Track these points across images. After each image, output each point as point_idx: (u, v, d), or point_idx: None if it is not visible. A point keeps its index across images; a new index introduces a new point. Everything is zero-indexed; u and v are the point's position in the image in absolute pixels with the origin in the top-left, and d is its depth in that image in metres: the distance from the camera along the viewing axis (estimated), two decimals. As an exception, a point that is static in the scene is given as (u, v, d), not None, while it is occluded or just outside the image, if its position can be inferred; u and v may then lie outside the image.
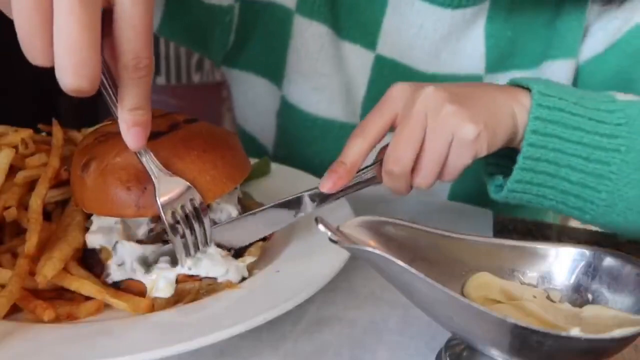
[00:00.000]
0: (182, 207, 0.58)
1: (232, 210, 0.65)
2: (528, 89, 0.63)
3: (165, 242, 0.61)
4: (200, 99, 1.94)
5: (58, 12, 0.42)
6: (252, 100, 0.98)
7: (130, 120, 0.50)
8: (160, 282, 0.58)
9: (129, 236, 0.62)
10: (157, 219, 0.61)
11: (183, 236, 0.58)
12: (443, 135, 0.59)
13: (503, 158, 0.65)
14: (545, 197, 0.64)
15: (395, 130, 0.61)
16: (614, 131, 0.61)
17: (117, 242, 0.60)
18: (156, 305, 0.58)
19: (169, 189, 0.57)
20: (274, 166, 0.86)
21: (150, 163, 0.57)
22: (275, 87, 0.94)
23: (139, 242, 0.61)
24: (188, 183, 0.58)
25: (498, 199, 0.66)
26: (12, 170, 0.63)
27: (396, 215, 0.53)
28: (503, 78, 0.88)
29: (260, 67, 0.94)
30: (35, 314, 0.55)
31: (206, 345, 0.50)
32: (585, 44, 0.85)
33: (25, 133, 0.67)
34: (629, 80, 0.81)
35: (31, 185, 0.64)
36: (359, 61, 0.89)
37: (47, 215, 0.63)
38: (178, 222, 0.57)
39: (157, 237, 0.62)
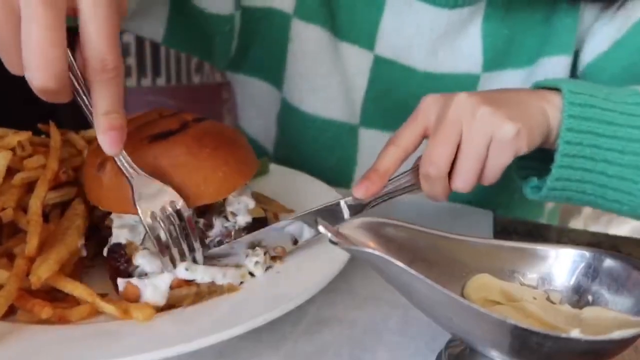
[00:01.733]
0: (163, 209, 0.57)
1: (249, 201, 0.65)
2: (556, 90, 0.63)
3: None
4: (200, 100, 1.95)
5: (24, 19, 0.44)
6: (256, 104, 0.99)
7: (104, 124, 0.51)
8: (148, 289, 0.57)
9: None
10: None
11: (167, 246, 0.57)
12: (481, 136, 0.59)
13: (533, 161, 0.67)
14: (584, 193, 0.65)
15: (430, 135, 0.61)
16: None
17: (144, 239, 0.61)
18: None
19: (147, 190, 0.57)
20: (273, 166, 0.87)
21: (126, 165, 0.57)
22: (276, 89, 0.95)
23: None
24: (166, 185, 0.58)
25: (537, 199, 0.66)
26: (10, 172, 0.63)
27: (396, 217, 0.53)
28: (500, 76, 0.89)
29: (262, 71, 0.95)
30: (32, 312, 0.54)
31: (206, 346, 0.50)
32: (588, 45, 0.86)
33: (24, 135, 0.67)
34: (637, 76, 0.81)
35: (29, 187, 0.64)
36: (358, 62, 0.90)
37: (44, 217, 0.63)
38: (158, 221, 0.57)
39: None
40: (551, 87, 0.65)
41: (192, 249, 0.59)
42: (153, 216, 0.57)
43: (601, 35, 0.84)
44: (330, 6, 0.88)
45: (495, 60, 0.88)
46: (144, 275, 0.59)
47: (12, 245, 0.62)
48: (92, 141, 0.72)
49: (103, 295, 0.60)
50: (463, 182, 0.61)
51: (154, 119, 0.66)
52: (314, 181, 0.82)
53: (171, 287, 0.58)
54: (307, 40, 0.89)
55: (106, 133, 0.51)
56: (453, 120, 0.60)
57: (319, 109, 0.92)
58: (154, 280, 0.58)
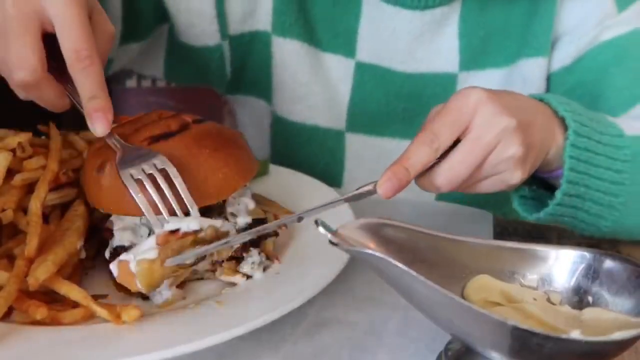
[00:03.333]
0: (145, 169, 0.58)
1: (249, 202, 0.66)
2: (554, 111, 0.67)
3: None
4: (200, 102, 1.94)
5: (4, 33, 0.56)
6: (253, 121, 1.04)
7: (89, 109, 0.57)
8: (132, 265, 0.56)
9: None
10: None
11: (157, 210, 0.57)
12: (496, 171, 0.61)
13: None
14: (565, 223, 0.73)
15: (461, 147, 0.59)
16: (621, 167, 0.69)
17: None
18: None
19: (131, 156, 0.59)
20: (273, 167, 0.87)
21: (115, 141, 0.60)
22: (267, 104, 0.99)
23: None
24: (153, 151, 0.59)
25: (524, 215, 0.71)
26: (10, 173, 0.63)
27: (396, 217, 0.53)
28: (478, 75, 0.91)
29: (255, 89, 1.00)
30: (27, 313, 0.54)
31: (206, 347, 0.50)
32: (558, 53, 0.89)
33: (25, 136, 0.67)
34: (593, 95, 0.85)
35: (29, 188, 0.64)
36: (340, 69, 0.93)
37: (44, 218, 0.63)
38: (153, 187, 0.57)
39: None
40: (544, 101, 0.68)
41: (184, 208, 0.58)
42: (132, 176, 0.57)
43: (568, 51, 0.88)
44: (306, 20, 0.92)
45: (472, 59, 0.91)
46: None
47: (12, 247, 0.62)
48: (92, 142, 0.72)
49: (103, 297, 0.60)
50: (447, 188, 0.60)
51: (154, 121, 0.66)
52: (314, 182, 0.82)
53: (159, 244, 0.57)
54: (287, 54, 0.93)
55: (91, 116, 0.57)
56: (488, 147, 0.59)
57: (305, 117, 0.96)
58: (140, 247, 0.57)
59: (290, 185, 0.81)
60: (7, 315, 0.55)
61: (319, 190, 0.80)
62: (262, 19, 0.92)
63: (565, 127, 0.66)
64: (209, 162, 0.61)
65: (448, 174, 0.59)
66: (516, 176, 0.61)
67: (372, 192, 0.58)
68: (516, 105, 0.62)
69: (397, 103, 0.92)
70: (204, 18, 0.90)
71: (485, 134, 0.59)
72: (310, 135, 0.96)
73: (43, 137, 0.72)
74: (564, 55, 0.89)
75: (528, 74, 0.90)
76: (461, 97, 0.60)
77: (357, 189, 0.59)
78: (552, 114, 0.67)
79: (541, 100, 0.68)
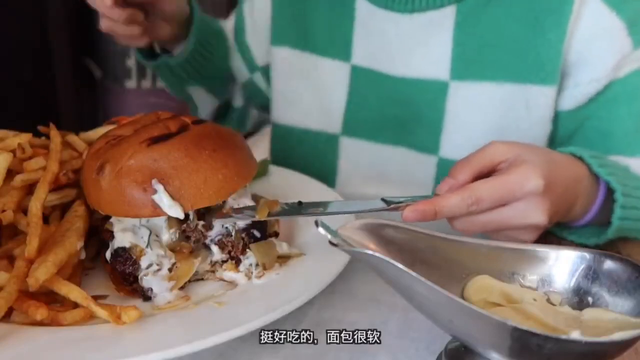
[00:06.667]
0: None
1: (248, 203, 0.66)
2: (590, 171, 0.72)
3: (188, 237, 0.63)
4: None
5: None
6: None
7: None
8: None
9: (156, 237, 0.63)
10: (174, 222, 0.62)
11: None
12: (510, 225, 0.64)
13: None
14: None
15: (493, 216, 0.63)
16: None
17: (149, 241, 0.61)
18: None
19: None
20: (272, 167, 0.87)
21: None
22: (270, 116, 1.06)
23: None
24: None
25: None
26: (10, 174, 0.63)
27: (396, 218, 0.53)
28: (472, 87, 0.87)
29: (268, 104, 1.06)
30: (27, 314, 0.54)
31: (206, 347, 0.50)
32: (571, 92, 0.85)
33: (24, 137, 0.67)
34: (601, 132, 0.84)
35: (29, 189, 0.64)
36: (336, 74, 0.95)
37: (44, 219, 0.63)
38: None
39: (182, 237, 0.63)
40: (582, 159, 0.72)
41: None
42: None
43: (588, 89, 0.83)
44: (301, 27, 0.95)
45: (466, 69, 0.87)
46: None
47: (12, 247, 0.62)
48: (91, 144, 0.72)
49: (103, 297, 0.60)
50: (465, 226, 0.64)
51: (153, 122, 0.66)
52: (313, 182, 0.82)
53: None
54: (279, 62, 0.99)
55: None
56: (515, 194, 0.62)
57: (295, 120, 1.00)
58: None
59: (290, 186, 0.81)
60: (7, 316, 0.55)
61: (318, 190, 0.80)
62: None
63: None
64: (208, 163, 0.61)
65: (466, 227, 0.64)
66: (529, 236, 0.65)
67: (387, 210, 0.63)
68: (562, 199, 0.66)
69: (389, 109, 0.92)
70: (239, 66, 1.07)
71: (520, 219, 0.63)
72: (301, 138, 1.00)
73: (43, 138, 0.72)
74: (581, 95, 0.84)
75: (533, 101, 0.85)
76: (521, 177, 0.62)
77: (373, 207, 0.64)
78: (588, 177, 0.72)
79: (580, 157, 0.72)
